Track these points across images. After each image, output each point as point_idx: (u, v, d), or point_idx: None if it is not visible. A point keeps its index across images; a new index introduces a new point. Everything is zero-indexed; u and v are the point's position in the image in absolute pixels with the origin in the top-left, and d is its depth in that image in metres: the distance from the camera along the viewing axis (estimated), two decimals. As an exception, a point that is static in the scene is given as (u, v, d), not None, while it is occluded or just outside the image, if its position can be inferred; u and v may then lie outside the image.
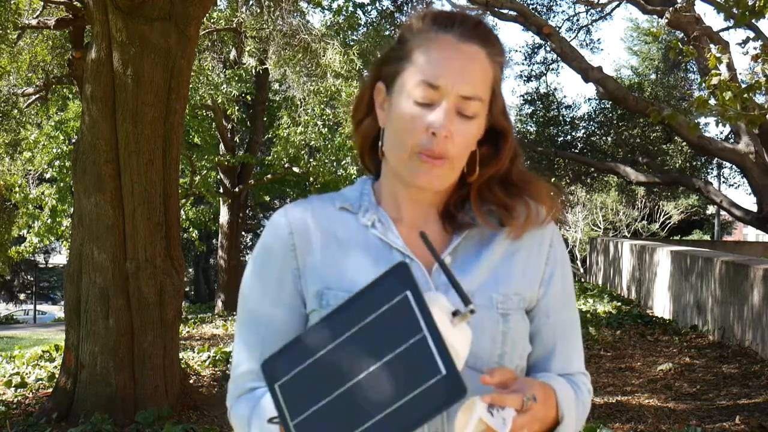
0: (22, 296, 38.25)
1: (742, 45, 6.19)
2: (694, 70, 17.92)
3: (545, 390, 1.12)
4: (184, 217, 17.21)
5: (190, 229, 18.01)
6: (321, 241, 1.21)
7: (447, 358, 0.89)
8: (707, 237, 27.42)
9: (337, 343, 0.94)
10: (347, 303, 0.96)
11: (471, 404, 1.00)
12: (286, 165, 15.92)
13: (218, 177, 17.20)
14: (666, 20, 10.26)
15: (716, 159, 17.15)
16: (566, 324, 1.26)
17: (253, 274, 1.24)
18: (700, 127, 7.34)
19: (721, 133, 16.54)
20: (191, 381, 7.20)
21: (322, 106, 14.25)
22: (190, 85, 9.43)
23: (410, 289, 0.92)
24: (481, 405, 0.99)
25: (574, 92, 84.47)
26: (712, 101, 6.29)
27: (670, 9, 10.10)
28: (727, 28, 13.22)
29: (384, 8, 14.10)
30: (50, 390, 6.71)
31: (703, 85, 7.74)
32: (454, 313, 0.96)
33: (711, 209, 27.53)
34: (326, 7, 14.04)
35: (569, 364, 1.25)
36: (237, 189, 17.13)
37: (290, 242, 1.21)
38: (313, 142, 14.58)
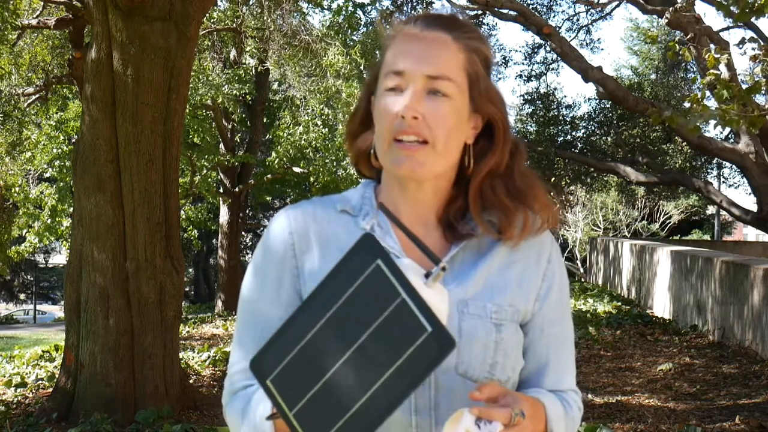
0: (22, 296, 38.24)
1: (740, 45, 6.18)
2: (695, 70, 17.92)
3: (535, 405, 1.13)
4: (184, 216, 17.21)
5: (189, 229, 18.01)
6: (320, 243, 1.22)
7: (430, 314, 0.89)
8: (707, 237, 27.41)
9: (320, 326, 0.94)
10: (321, 285, 0.96)
11: (459, 416, 1.01)
12: (286, 165, 15.92)
13: (218, 177, 17.21)
14: (666, 20, 10.26)
15: (716, 159, 17.15)
16: (560, 339, 1.26)
17: (253, 273, 1.25)
18: (700, 127, 7.33)
19: (721, 132, 16.54)
20: (191, 381, 7.21)
21: (322, 106, 14.25)
22: (190, 85, 9.42)
23: (380, 258, 0.93)
24: (468, 417, 1.00)
25: (574, 92, 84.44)
26: (712, 102, 6.29)
27: (670, 9, 10.09)
28: (728, 28, 13.23)
29: (384, 8, 14.11)
30: (50, 390, 6.71)
31: (697, 82, 7.73)
32: (427, 276, 0.97)
33: (711, 209, 27.53)
34: (326, 7, 14.04)
35: (561, 381, 1.25)
36: (237, 189, 17.14)
37: (290, 242, 1.22)
38: (314, 142, 14.58)
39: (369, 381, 0.90)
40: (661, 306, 11.33)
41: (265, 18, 12.34)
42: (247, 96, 15.63)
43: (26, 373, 8.05)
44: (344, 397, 0.91)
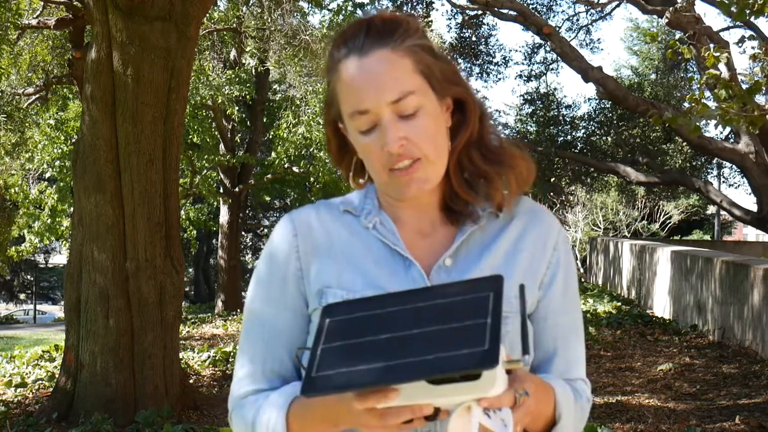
0: (22, 296, 38.26)
1: (739, 44, 6.17)
2: (694, 70, 17.93)
3: (542, 386, 1.12)
4: (184, 217, 17.21)
5: (189, 229, 18.01)
6: (324, 242, 1.22)
7: (495, 340, 0.92)
8: (707, 237, 27.43)
9: (400, 309, 0.99)
10: (430, 287, 1.02)
11: (466, 410, 1.00)
12: (286, 165, 15.92)
13: (218, 177, 17.21)
14: (666, 20, 10.26)
15: (716, 159, 17.16)
16: (567, 329, 1.25)
17: (259, 277, 1.25)
18: (701, 127, 7.32)
19: (721, 132, 16.55)
20: (191, 381, 7.21)
21: (323, 106, 14.25)
22: (190, 85, 9.42)
23: (494, 293, 0.98)
24: (477, 409, 0.99)
25: (574, 92, 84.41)
26: (711, 103, 6.28)
27: (670, 9, 10.10)
28: (728, 28, 13.24)
29: (384, 8, 14.11)
30: (50, 390, 6.71)
31: (695, 81, 7.74)
32: (509, 362, 1.00)
33: (711, 209, 27.55)
34: (325, 7, 14.04)
35: (570, 370, 1.24)
36: (237, 189, 17.14)
37: (294, 244, 1.22)
38: (316, 141, 14.58)
39: (401, 355, 0.94)
40: (661, 306, 11.33)
41: (265, 18, 12.34)
42: (247, 96, 15.64)
43: (26, 373, 8.04)
44: (371, 356, 0.95)
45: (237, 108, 15.28)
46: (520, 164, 1.22)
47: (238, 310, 16.22)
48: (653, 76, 22.12)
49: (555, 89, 18.60)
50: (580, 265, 25.35)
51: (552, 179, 17.03)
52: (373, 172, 1.19)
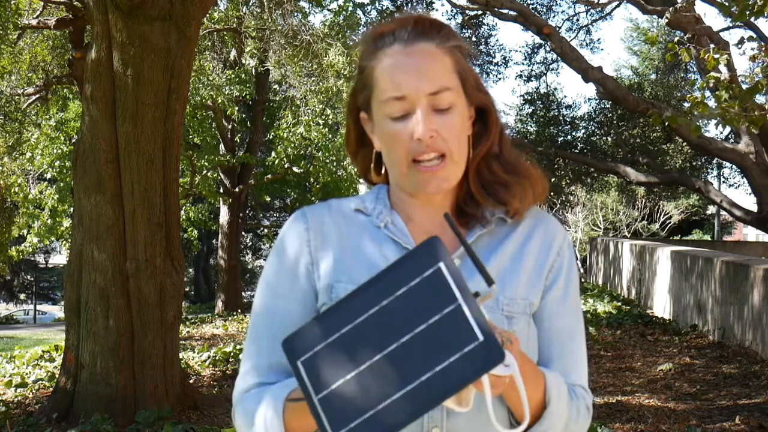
0: (22, 296, 38.25)
1: (739, 45, 6.18)
2: (695, 70, 17.94)
3: (526, 357, 1.11)
4: (184, 217, 17.21)
5: (189, 229, 18.00)
6: (335, 238, 1.24)
7: (484, 324, 0.88)
8: (707, 237, 27.45)
9: (365, 318, 0.92)
10: (375, 278, 0.94)
11: None
12: (286, 165, 15.93)
13: (218, 177, 17.21)
14: (666, 20, 10.26)
15: (716, 159, 17.16)
16: (564, 334, 1.25)
17: (269, 270, 1.27)
18: (701, 127, 7.33)
19: (721, 133, 16.56)
20: (191, 381, 7.21)
21: (322, 106, 14.27)
22: (190, 86, 9.42)
23: (443, 261, 0.92)
24: None
25: (574, 92, 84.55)
26: (712, 103, 6.28)
27: (670, 9, 10.09)
28: (728, 28, 13.24)
29: (384, 8, 14.11)
30: (50, 390, 6.71)
31: (696, 85, 7.75)
32: (475, 295, 0.95)
33: (711, 209, 27.56)
34: (326, 7, 14.04)
35: (568, 375, 1.24)
36: (237, 189, 17.14)
37: (306, 238, 1.24)
38: (316, 141, 14.59)
39: (406, 379, 0.88)
40: (661, 306, 11.34)
41: (265, 18, 12.35)
42: (247, 96, 15.65)
43: (26, 373, 8.05)
44: (376, 391, 0.89)
45: (237, 108, 15.28)
46: (537, 179, 1.25)
47: (239, 311, 16.23)
48: (653, 76, 22.12)
49: (555, 89, 18.61)
50: (580, 265, 25.37)
51: (552, 179, 17.03)
52: (394, 162, 1.20)
